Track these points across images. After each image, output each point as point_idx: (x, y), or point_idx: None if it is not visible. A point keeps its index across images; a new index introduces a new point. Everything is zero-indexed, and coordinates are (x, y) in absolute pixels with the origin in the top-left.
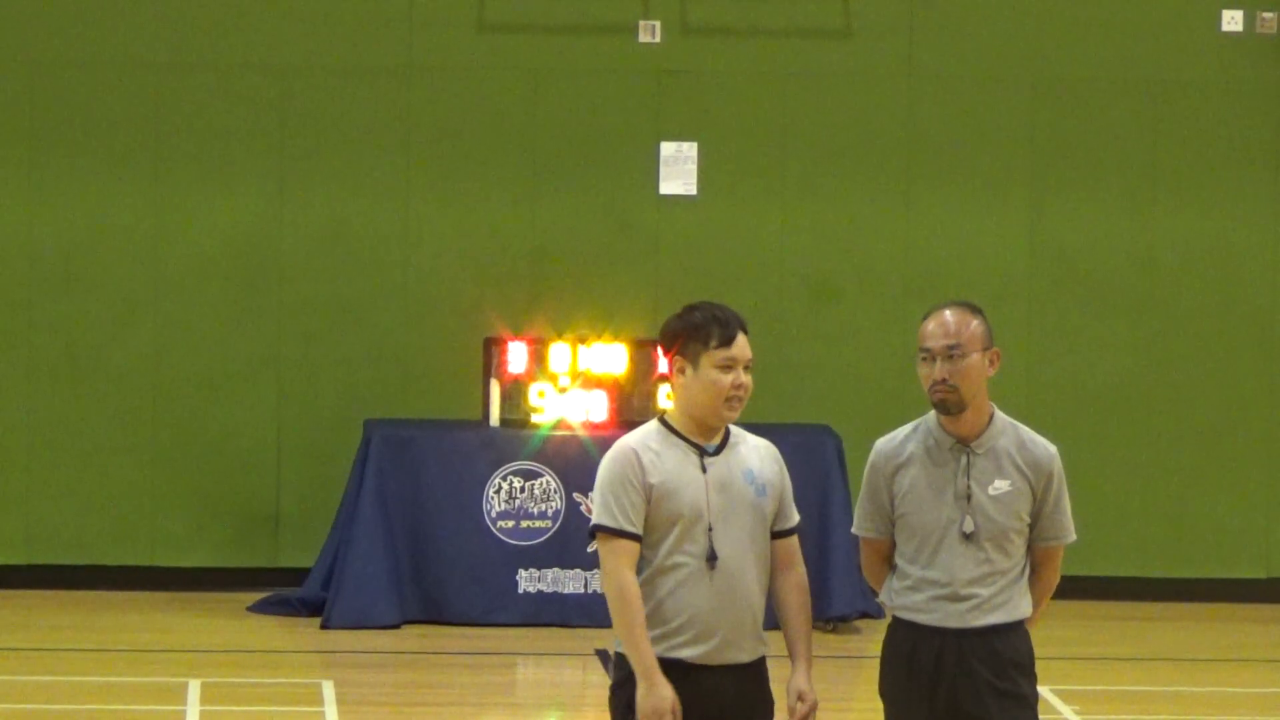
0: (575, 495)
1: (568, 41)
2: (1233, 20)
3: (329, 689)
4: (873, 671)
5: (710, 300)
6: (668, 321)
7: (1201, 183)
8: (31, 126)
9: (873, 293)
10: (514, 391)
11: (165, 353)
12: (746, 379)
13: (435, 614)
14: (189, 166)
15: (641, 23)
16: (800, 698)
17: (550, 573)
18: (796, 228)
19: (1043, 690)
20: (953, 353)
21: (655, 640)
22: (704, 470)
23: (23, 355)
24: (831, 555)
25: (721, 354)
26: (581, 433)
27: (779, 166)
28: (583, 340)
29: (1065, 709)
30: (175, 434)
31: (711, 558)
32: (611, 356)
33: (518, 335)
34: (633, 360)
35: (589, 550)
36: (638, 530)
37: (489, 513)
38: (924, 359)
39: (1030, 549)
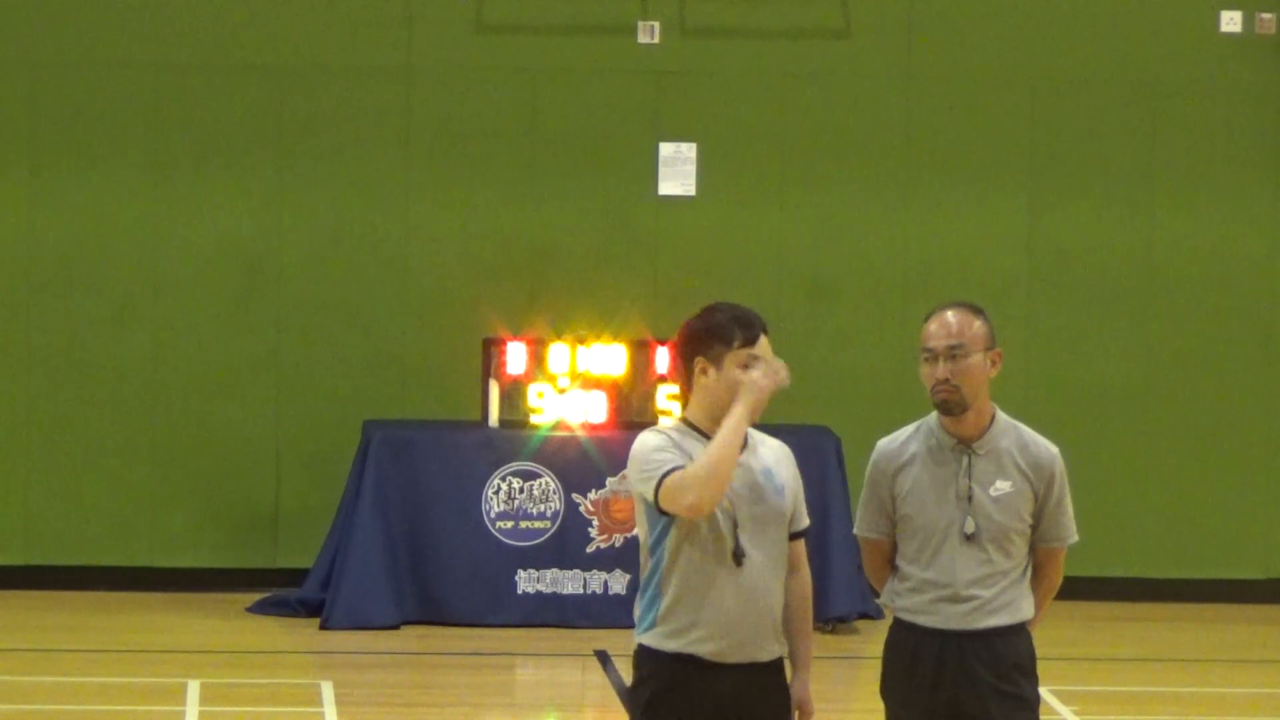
0: (574, 496)
1: (567, 42)
2: (1231, 21)
3: (328, 689)
4: (872, 672)
5: (729, 301)
6: (688, 323)
7: (1200, 183)
8: (31, 127)
9: (872, 293)
10: (513, 392)
11: (165, 353)
12: None
13: (434, 614)
14: (189, 167)
15: (640, 23)
16: (799, 706)
17: (549, 573)
18: (795, 228)
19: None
20: (955, 353)
21: (675, 635)
22: None
23: (22, 355)
24: (830, 556)
25: (745, 354)
26: (580, 433)
27: (778, 167)
28: (582, 341)
29: (1065, 709)
30: (174, 434)
31: (739, 555)
32: (610, 357)
33: (517, 336)
34: (632, 361)
35: (593, 548)
36: (687, 464)
37: (488, 513)
38: (926, 359)
39: (1032, 550)
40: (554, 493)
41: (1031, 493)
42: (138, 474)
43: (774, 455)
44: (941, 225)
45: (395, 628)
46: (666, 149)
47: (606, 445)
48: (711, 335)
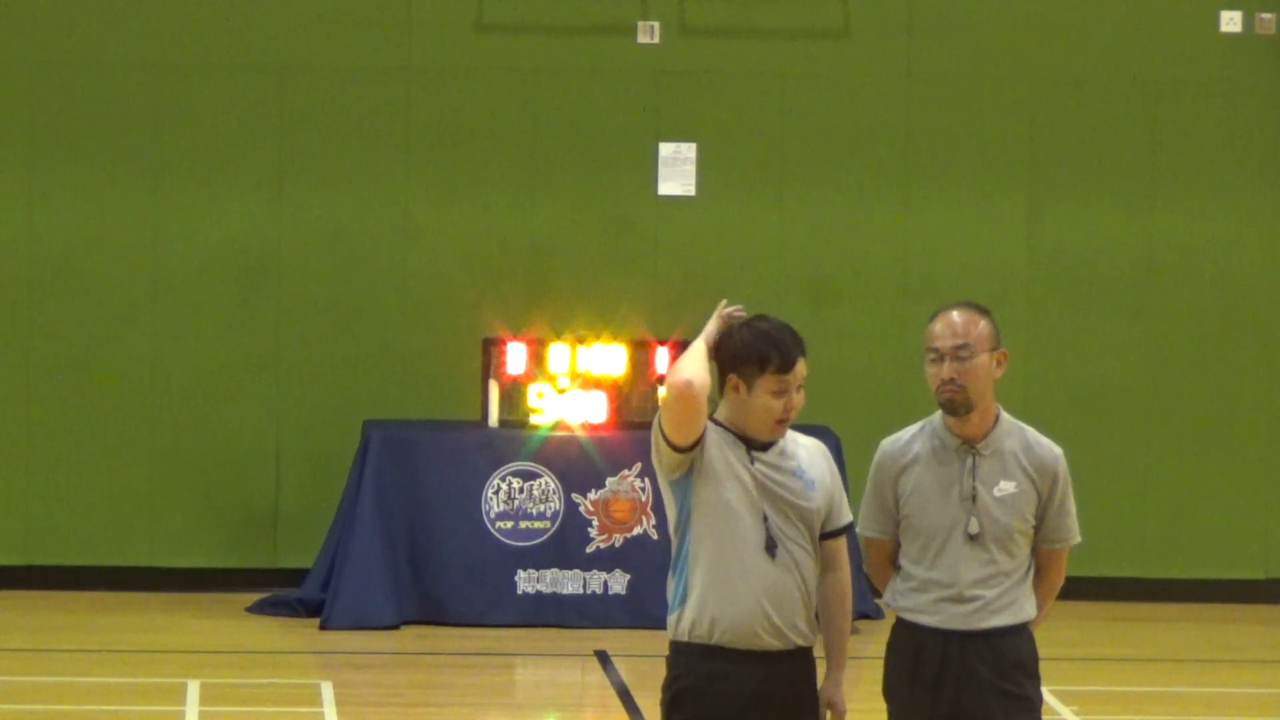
0: (574, 496)
1: (566, 42)
2: (1231, 21)
3: (328, 689)
4: (872, 672)
5: (776, 318)
6: (730, 332)
7: (1200, 183)
8: (31, 127)
9: (871, 293)
10: (513, 392)
11: (164, 353)
12: (798, 399)
13: (434, 614)
14: (188, 167)
15: (640, 23)
16: (830, 706)
17: (549, 573)
18: (795, 228)
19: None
20: (961, 353)
21: (703, 624)
22: (751, 462)
23: (22, 355)
24: None
25: (777, 380)
26: (580, 433)
27: (777, 167)
28: (581, 341)
29: (1065, 709)
30: (174, 434)
31: (771, 546)
32: (610, 357)
33: (517, 336)
34: (632, 361)
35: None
36: (690, 442)
37: (488, 513)
38: (932, 359)
39: (1035, 551)
40: (554, 493)
41: (1035, 493)
42: (138, 474)
43: (808, 453)
44: (941, 225)
45: (395, 628)
46: (666, 149)
47: (606, 445)
48: (747, 357)
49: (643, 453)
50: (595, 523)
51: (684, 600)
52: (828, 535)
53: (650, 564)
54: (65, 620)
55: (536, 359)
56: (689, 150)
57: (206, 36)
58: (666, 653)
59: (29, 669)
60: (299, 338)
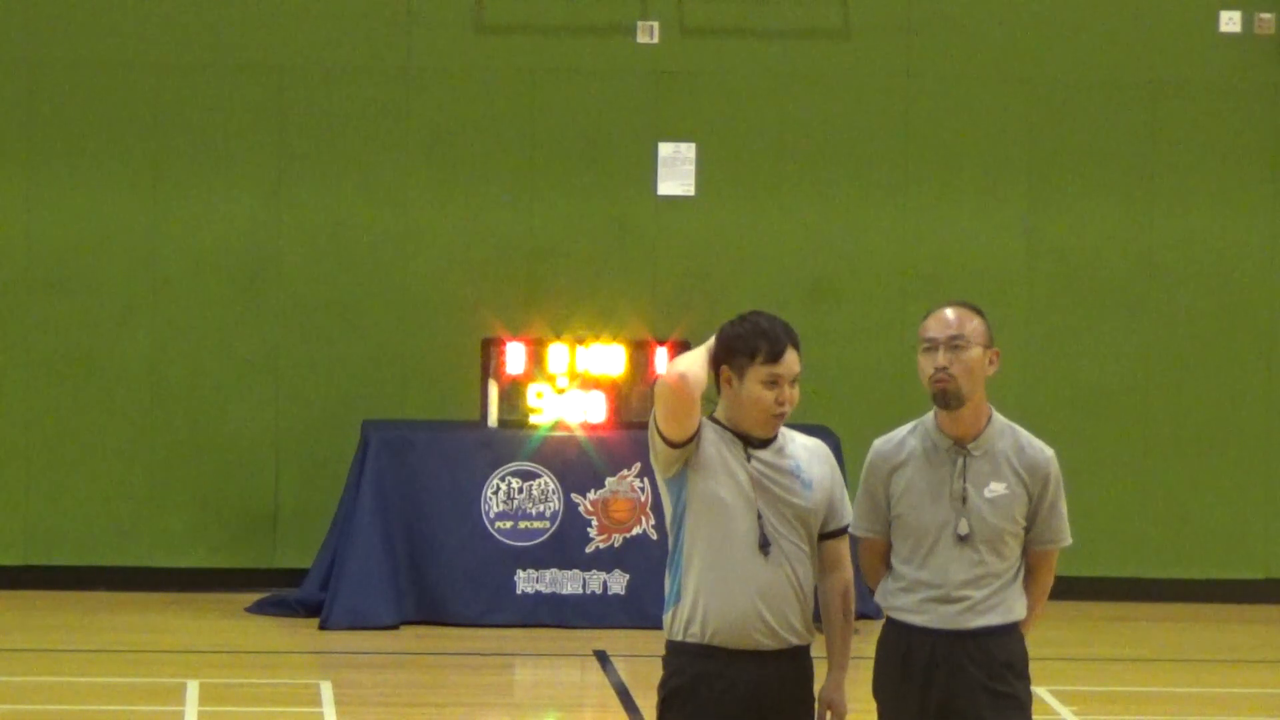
0: (573, 496)
1: (566, 42)
2: (1231, 21)
3: (327, 689)
4: (868, 673)
5: (767, 311)
6: (724, 326)
7: (1200, 183)
8: (30, 126)
9: (871, 293)
10: (512, 392)
11: (163, 353)
12: (792, 393)
13: (433, 614)
14: (187, 167)
15: (640, 23)
16: (830, 706)
17: (548, 573)
18: (794, 228)
19: (1041, 691)
20: (956, 343)
21: (695, 622)
22: (749, 460)
23: (21, 355)
24: None
25: (767, 370)
26: (580, 433)
27: (777, 167)
28: (581, 341)
29: (1064, 709)
30: (173, 435)
31: (764, 545)
32: (610, 357)
33: (516, 336)
34: (631, 361)
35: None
36: (684, 437)
37: (487, 513)
38: (926, 349)
39: (1025, 552)
40: (553, 493)
41: (1026, 495)
42: (136, 474)
43: (806, 453)
44: (941, 225)
45: (394, 628)
46: (666, 149)
47: (606, 445)
48: (737, 347)
49: (642, 453)
50: (595, 523)
51: (678, 598)
52: (828, 535)
53: (649, 564)
54: (65, 620)
55: (536, 359)
56: (689, 150)
57: (206, 36)
58: (664, 652)
59: (29, 669)
60: (298, 338)
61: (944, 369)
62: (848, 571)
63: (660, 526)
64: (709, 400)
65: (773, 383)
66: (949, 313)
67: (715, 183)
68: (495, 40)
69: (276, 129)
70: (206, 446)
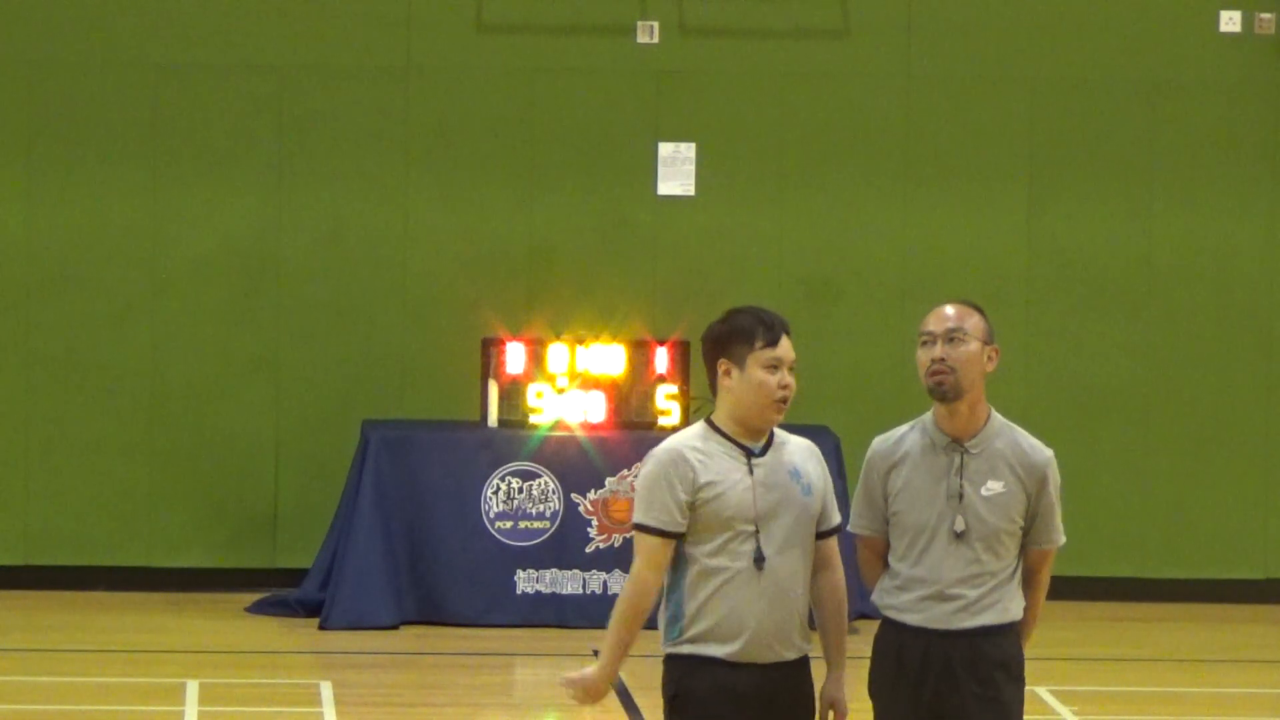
0: (573, 496)
1: (566, 42)
2: (1231, 21)
3: (327, 689)
4: (866, 672)
5: (752, 304)
6: (710, 327)
7: (1199, 183)
8: (30, 126)
9: (871, 293)
10: (512, 392)
11: (163, 353)
12: (791, 380)
13: (433, 614)
14: (187, 167)
15: (639, 23)
16: (832, 705)
17: (548, 573)
18: (794, 228)
19: (1041, 691)
20: (954, 335)
21: (699, 638)
22: (750, 471)
23: (21, 355)
24: None
25: (767, 354)
26: (580, 433)
27: (777, 167)
28: (581, 341)
29: (1063, 709)
30: (173, 435)
31: (759, 559)
32: (610, 357)
33: (516, 336)
34: (631, 361)
35: (586, 550)
36: (675, 530)
37: (487, 513)
38: (924, 342)
39: (1024, 553)
40: (553, 493)
41: (1024, 494)
42: (136, 474)
43: (801, 454)
44: (940, 225)
45: (394, 628)
46: (666, 149)
47: (606, 445)
48: (733, 337)
49: (642, 452)
50: (595, 523)
51: (679, 615)
52: (820, 535)
53: None
54: (64, 620)
55: (536, 359)
56: (689, 150)
57: (206, 36)
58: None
59: (28, 669)
60: (298, 338)
61: (940, 361)
62: (840, 570)
63: None
64: (707, 400)
65: (774, 367)
66: (948, 309)
67: (715, 182)
68: (495, 40)
69: (276, 129)
70: (206, 446)
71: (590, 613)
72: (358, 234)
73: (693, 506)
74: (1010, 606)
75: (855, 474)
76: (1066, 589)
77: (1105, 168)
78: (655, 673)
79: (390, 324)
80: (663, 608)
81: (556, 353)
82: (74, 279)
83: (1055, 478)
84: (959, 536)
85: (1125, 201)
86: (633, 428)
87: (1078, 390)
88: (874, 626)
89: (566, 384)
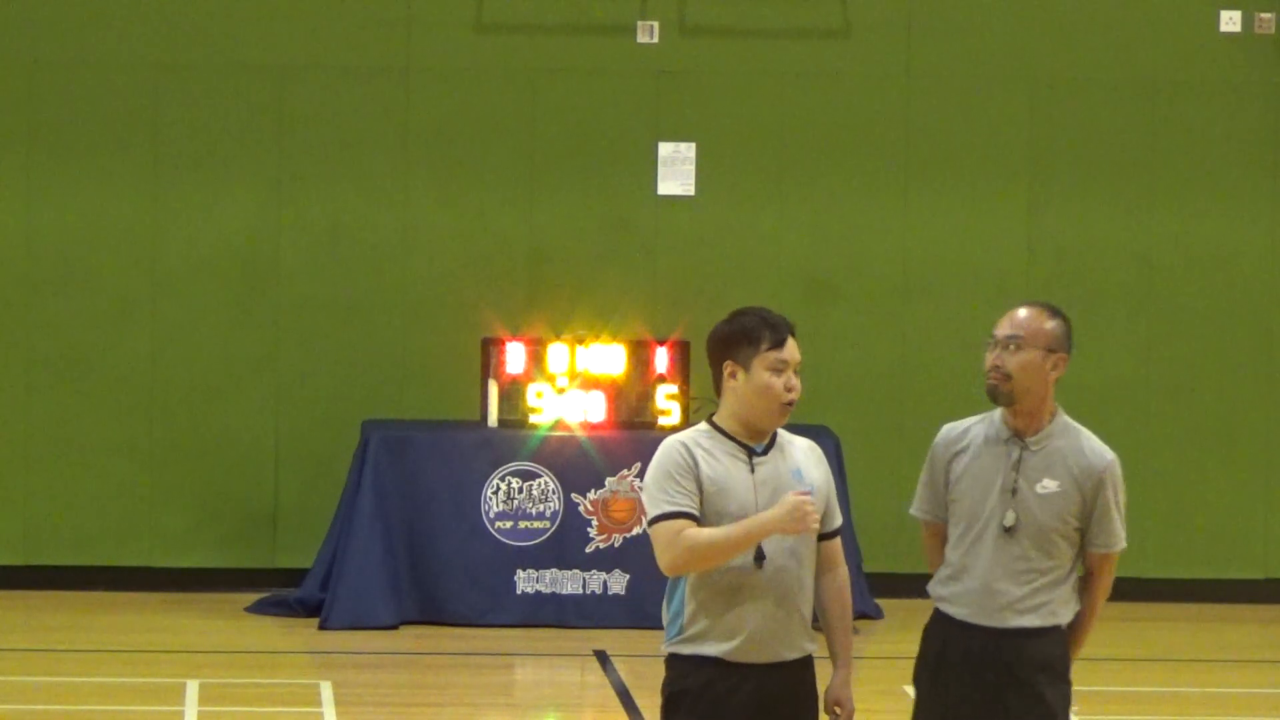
0: (573, 496)
1: (566, 42)
2: (1231, 21)
3: (327, 690)
4: (870, 672)
5: (756, 305)
6: (716, 328)
7: (1200, 183)
8: (30, 126)
9: (870, 293)
10: (512, 392)
11: (163, 353)
12: (797, 382)
13: (433, 614)
14: (187, 167)
15: (639, 23)
16: (838, 704)
17: (548, 573)
18: (794, 228)
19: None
20: (1011, 343)
21: (699, 637)
22: (752, 470)
23: (20, 355)
24: None
25: (773, 356)
26: (580, 433)
27: (777, 167)
28: (581, 341)
29: None
30: (173, 434)
31: (760, 559)
32: (609, 357)
33: (516, 336)
34: (631, 361)
35: (586, 551)
36: (693, 511)
37: (487, 513)
38: (988, 345)
39: (1083, 555)
40: (553, 493)
41: (1079, 496)
42: (136, 474)
43: (804, 455)
44: (940, 225)
45: (394, 628)
46: (665, 149)
47: (606, 445)
48: (739, 338)
49: (642, 452)
50: (595, 523)
51: (680, 614)
52: (823, 537)
53: (650, 564)
54: (64, 620)
55: (536, 359)
56: (688, 150)
57: (206, 36)
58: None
59: (28, 669)
60: (298, 338)
61: (996, 368)
62: (844, 570)
63: None
64: (707, 400)
65: (779, 369)
66: (1020, 312)
67: (715, 183)
68: (495, 40)
69: (275, 129)
70: (206, 446)
71: (590, 613)
72: (357, 234)
73: (699, 494)
74: (1058, 610)
75: (855, 474)
76: None
77: (1105, 168)
78: (655, 672)
79: (390, 324)
80: (665, 606)
81: (556, 353)
82: (73, 278)
83: (1115, 482)
84: (1008, 531)
85: (1125, 201)
86: (633, 428)
87: (1077, 390)
88: (875, 626)
89: (566, 384)
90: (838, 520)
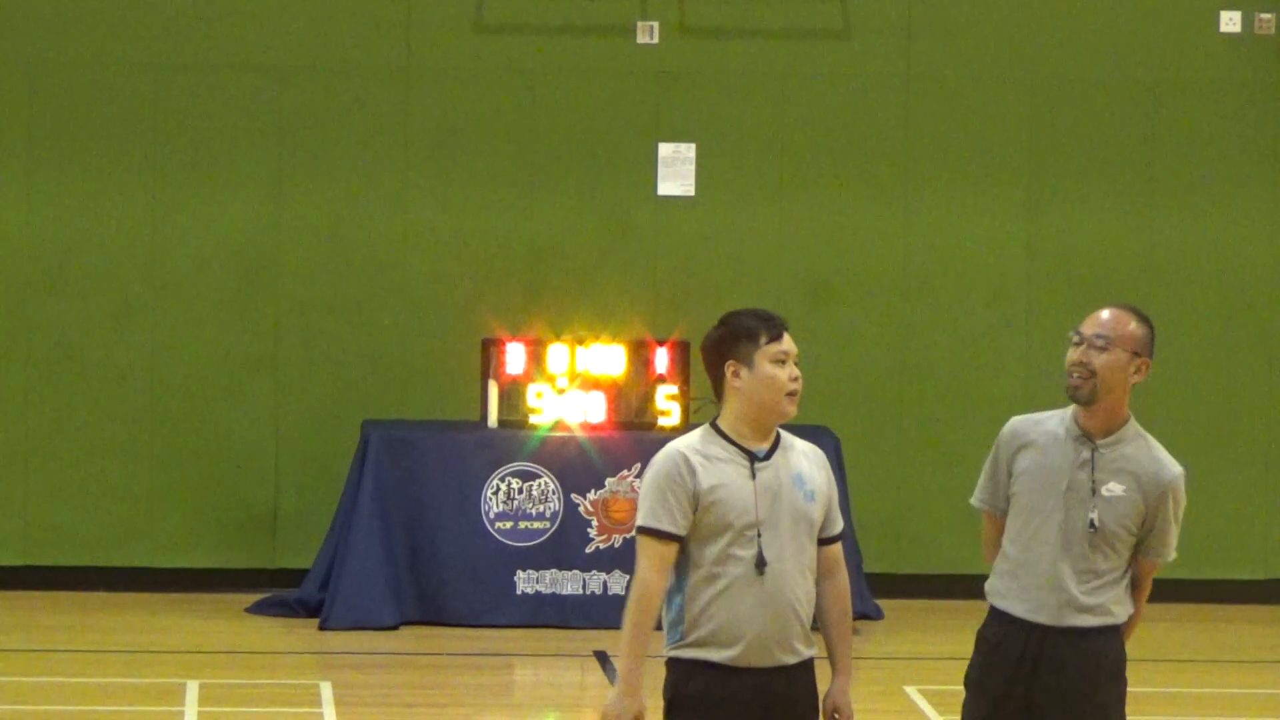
0: (573, 496)
1: (566, 42)
2: (1231, 21)
3: (327, 690)
4: (869, 673)
5: (745, 307)
6: (710, 334)
7: (1200, 183)
8: (30, 126)
9: (870, 294)
10: (512, 392)
11: (163, 353)
12: (799, 372)
13: (433, 615)
14: (187, 167)
15: (639, 24)
16: (837, 710)
17: (548, 574)
18: (794, 228)
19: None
20: (1098, 342)
21: (700, 643)
22: (753, 476)
23: (20, 355)
24: None
25: (774, 349)
26: (579, 434)
27: (777, 167)
28: (581, 341)
29: None
30: (173, 435)
31: (760, 564)
32: (609, 357)
33: (516, 336)
34: (631, 361)
35: (586, 551)
36: (677, 532)
37: (487, 514)
38: (1074, 342)
39: (1135, 560)
40: (553, 493)
41: (1142, 503)
42: (136, 474)
43: (807, 459)
44: (940, 225)
45: (394, 628)
46: (666, 149)
47: (606, 445)
48: (738, 337)
49: (642, 453)
50: (594, 523)
51: (680, 620)
52: (824, 542)
53: None
54: (64, 620)
55: (536, 359)
56: (689, 150)
57: (206, 36)
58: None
59: (28, 669)
60: (298, 338)
61: (1081, 364)
62: (844, 575)
63: None
64: (707, 400)
65: (782, 360)
66: (1105, 313)
67: (715, 183)
68: (495, 40)
69: (275, 129)
70: (206, 446)
71: (590, 613)
72: (357, 234)
73: (694, 510)
74: (1115, 609)
75: (854, 475)
76: None
77: (1105, 168)
78: (655, 673)
79: (390, 324)
80: (665, 611)
81: (556, 353)
82: (73, 278)
83: (1179, 496)
84: (1070, 530)
85: (1125, 202)
86: (633, 428)
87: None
88: (875, 627)
89: (566, 384)
90: (839, 525)
